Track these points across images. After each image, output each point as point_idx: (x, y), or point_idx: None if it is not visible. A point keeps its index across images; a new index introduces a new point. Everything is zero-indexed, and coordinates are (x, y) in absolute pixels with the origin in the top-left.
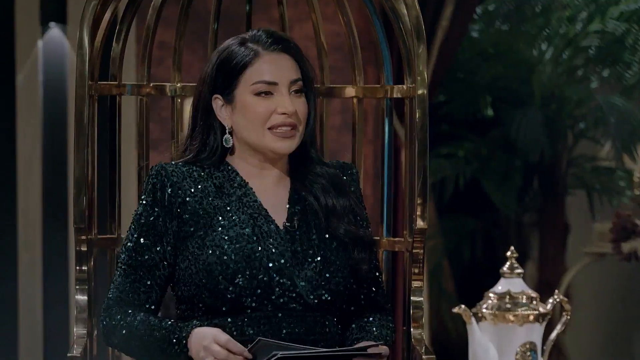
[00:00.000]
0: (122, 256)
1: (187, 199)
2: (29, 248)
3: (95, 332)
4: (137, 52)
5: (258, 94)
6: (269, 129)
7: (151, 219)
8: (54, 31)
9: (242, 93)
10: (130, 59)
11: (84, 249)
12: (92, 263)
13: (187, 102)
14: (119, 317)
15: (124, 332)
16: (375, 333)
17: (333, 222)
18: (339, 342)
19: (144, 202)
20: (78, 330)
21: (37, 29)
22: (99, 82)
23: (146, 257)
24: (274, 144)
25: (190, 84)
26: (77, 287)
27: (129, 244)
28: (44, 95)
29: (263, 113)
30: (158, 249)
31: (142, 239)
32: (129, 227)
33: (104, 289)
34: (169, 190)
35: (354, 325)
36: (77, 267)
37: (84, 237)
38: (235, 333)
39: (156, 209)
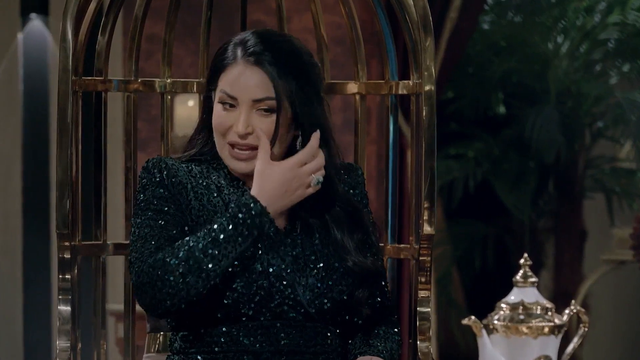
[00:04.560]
0: (138, 241)
1: (188, 195)
2: (9, 254)
3: (80, 346)
4: (124, 45)
5: (221, 102)
6: (229, 144)
7: (165, 194)
8: (35, 23)
9: (216, 96)
10: (117, 52)
11: (67, 256)
12: (76, 271)
13: (177, 99)
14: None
15: (180, 255)
16: (380, 347)
17: (342, 256)
18: (342, 356)
19: (152, 187)
20: (61, 344)
21: (17, 21)
22: (83, 78)
23: (171, 211)
24: (229, 162)
25: (181, 80)
26: (60, 296)
27: (144, 228)
28: (25, 91)
29: (221, 125)
30: (177, 206)
31: (158, 205)
32: (134, 220)
33: (89, 299)
34: (169, 180)
35: (357, 339)
36: (60, 276)
37: (67, 243)
38: (230, 343)
39: (164, 191)
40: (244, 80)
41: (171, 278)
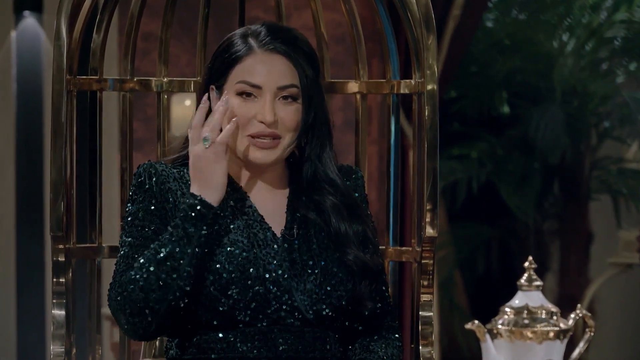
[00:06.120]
0: (119, 262)
1: (177, 202)
2: (2, 258)
3: (74, 351)
4: (120, 43)
5: (240, 94)
6: (249, 136)
7: (152, 208)
8: (29, 21)
9: (229, 90)
10: (113, 51)
11: (61, 259)
12: (70, 274)
13: (174, 98)
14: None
15: (141, 271)
16: (381, 353)
17: (342, 248)
18: None
19: (140, 198)
20: (55, 349)
21: (10, 18)
22: (78, 77)
23: (153, 228)
24: (251, 154)
25: (178, 79)
26: (54, 300)
27: (124, 248)
28: (18, 90)
29: (242, 116)
30: (162, 219)
31: (142, 221)
32: (121, 235)
33: (84, 303)
34: (158, 188)
35: (357, 345)
36: (54, 279)
37: (61, 246)
38: (226, 349)
39: (152, 202)
40: (267, 68)
41: (133, 296)
